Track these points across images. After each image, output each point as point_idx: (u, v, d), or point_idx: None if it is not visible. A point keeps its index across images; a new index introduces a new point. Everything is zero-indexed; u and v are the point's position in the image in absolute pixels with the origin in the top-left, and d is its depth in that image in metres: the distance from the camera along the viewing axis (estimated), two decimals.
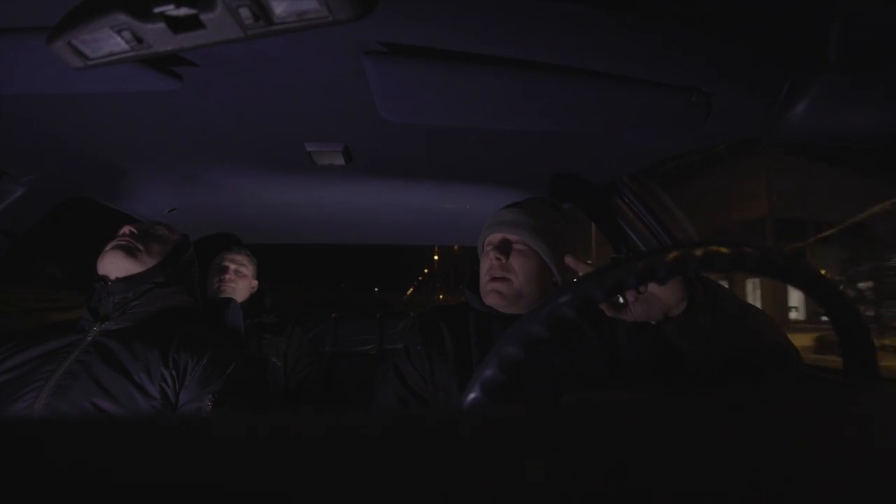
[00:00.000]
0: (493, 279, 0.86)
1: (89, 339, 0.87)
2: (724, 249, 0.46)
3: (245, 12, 0.38)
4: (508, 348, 0.42)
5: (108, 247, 0.95)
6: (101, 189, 1.20)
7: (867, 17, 0.54)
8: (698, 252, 0.45)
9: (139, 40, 0.40)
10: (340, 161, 1.06)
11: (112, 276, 0.94)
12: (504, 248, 0.86)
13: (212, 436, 0.17)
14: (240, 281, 1.62)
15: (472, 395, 0.42)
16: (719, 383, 0.66)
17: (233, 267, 1.61)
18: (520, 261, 0.86)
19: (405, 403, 0.81)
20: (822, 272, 0.48)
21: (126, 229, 0.98)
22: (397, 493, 0.13)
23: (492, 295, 0.86)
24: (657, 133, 0.88)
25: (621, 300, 0.62)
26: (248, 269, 1.66)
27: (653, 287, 0.60)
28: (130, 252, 0.94)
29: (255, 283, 1.70)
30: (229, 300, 1.19)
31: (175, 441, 0.16)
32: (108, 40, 0.40)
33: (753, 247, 0.47)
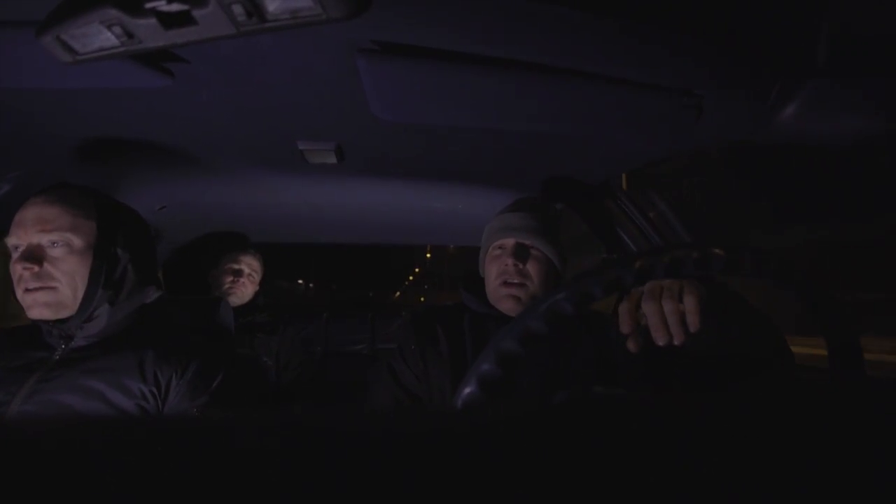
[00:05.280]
0: (508, 284, 0.86)
1: (56, 357, 0.77)
2: (720, 251, 0.46)
3: (238, 9, 0.37)
4: (506, 342, 0.42)
5: (18, 290, 0.75)
6: (87, 185, 1.18)
7: (855, 24, 0.55)
8: (695, 253, 0.46)
9: (130, 36, 0.39)
10: (333, 160, 1.06)
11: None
12: (520, 253, 0.86)
13: (198, 437, 0.17)
14: (250, 286, 1.65)
15: (467, 390, 0.42)
16: (710, 383, 0.66)
17: (247, 271, 1.64)
18: (536, 267, 0.86)
19: (399, 403, 0.81)
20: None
21: (19, 269, 0.73)
22: (392, 494, 0.13)
23: (507, 300, 0.86)
24: (649, 134, 0.88)
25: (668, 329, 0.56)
26: (258, 275, 1.69)
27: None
28: (48, 297, 0.74)
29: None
30: (219, 299, 1.17)
31: (156, 443, 0.16)
32: (99, 35, 0.39)
33: (747, 249, 0.47)
